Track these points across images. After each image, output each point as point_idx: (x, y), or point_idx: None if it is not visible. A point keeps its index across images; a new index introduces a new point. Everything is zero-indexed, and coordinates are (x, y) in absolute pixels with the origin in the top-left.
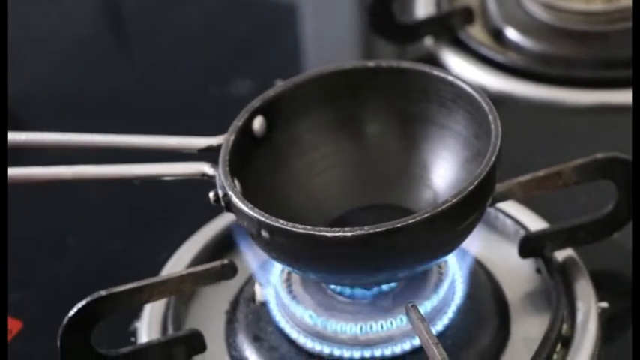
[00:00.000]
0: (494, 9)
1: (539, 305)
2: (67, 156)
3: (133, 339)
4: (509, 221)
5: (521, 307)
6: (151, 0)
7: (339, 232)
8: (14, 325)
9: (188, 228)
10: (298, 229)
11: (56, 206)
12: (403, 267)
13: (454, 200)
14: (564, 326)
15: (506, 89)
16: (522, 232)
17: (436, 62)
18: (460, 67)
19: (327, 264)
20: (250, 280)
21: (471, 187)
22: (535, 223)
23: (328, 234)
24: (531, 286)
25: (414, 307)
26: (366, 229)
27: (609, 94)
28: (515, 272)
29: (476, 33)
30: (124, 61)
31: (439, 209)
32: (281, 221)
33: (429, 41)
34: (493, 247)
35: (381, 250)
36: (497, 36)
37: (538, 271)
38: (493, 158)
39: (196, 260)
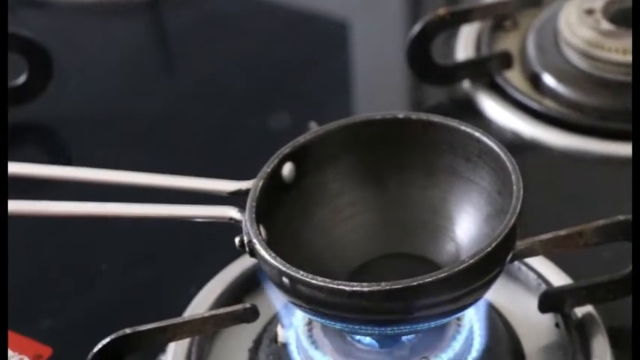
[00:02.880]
0: (533, 54)
1: (556, 359)
2: (101, 190)
3: None
4: (531, 274)
5: None
6: (198, 22)
7: (356, 287)
8: (44, 352)
9: (217, 263)
10: (318, 281)
11: (90, 235)
12: (420, 322)
13: (471, 261)
14: None
15: (539, 136)
16: (544, 286)
17: (472, 105)
18: (495, 112)
19: (344, 315)
20: (274, 320)
21: (489, 249)
22: (557, 277)
23: (346, 288)
24: (549, 340)
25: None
26: (383, 286)
27: None
28: (534, 325)
29: (513, 78)
30: (167, 84)
31: (456, 269)
32: (302, 272)
33: (466, 84)
34: (514, 299)
35: (397, 306)
36: (535, 81)
37: (557, 325)
38: (513, 220)
39: (223, 296)
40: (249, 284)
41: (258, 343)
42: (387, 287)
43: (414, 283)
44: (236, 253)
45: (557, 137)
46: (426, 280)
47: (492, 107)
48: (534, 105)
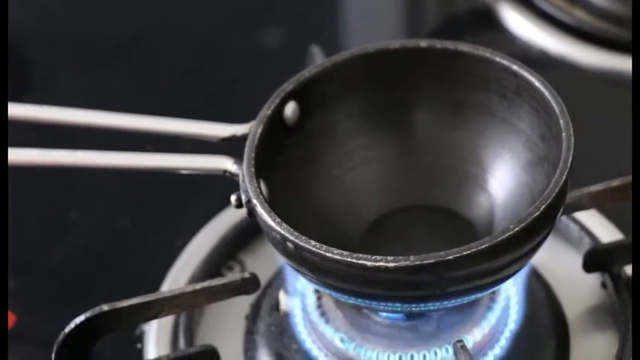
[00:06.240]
0: None
1: (603, 324)
2: (76, 134)
3: (139, 345)
4: (573, 226)
5: (583, 326)
6: None
7: (380, 262)
8: (8, 319)
9: (206, 211)
10: (334, 254)
11: (59, 181)
12: (452, 298)
13: (517, 228)
14: None
15: (570, 54)
16: (588, 241)
17: (492, 17)
18: (519, 25)
19: (363, 291)
20: (275, 281)
21: (537, 213)
22: (604, 231)
23: (368, 263)
24: (594, 301)
25: (463, 347)
26: (412, 260)
27: None
28: (576, 284)
29: None
30: None
31: (499, 239)
32: (313, 242)
33: None
34: (554, 256)
35: (428, 282)
36: None
37: (603, 285)
38: (564, 176)
39: (214, 252)
40: (243, 237)
41: (256, 308)
42: (418, 262)
43: (450, 257)
44: (226, 201)
45: (591, 55)
46: (464, 253)
47: (515, 19)
48: (564, 17)
